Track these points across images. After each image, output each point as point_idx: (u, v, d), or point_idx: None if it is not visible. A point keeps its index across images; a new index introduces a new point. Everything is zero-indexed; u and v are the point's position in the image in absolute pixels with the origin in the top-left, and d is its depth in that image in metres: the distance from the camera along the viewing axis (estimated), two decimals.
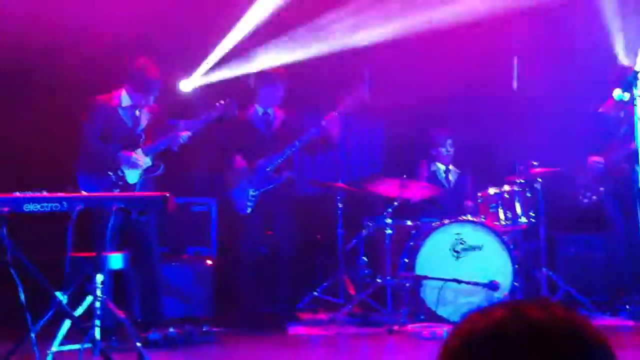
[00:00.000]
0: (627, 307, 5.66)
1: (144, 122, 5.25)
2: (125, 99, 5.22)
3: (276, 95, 5.85)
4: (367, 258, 6.26)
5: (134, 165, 5.10)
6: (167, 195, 4.11)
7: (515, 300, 1.10)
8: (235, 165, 5.74)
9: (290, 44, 6.66)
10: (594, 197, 5.92)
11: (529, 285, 6.03)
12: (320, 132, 5.72)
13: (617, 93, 3.92)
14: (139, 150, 5.15)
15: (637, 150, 3.64)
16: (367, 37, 6.89)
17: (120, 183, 5.05)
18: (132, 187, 5.09)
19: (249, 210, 5.71)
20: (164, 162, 5.31)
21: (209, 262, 6.11)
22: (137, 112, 5.24)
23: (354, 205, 6.59)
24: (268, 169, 5.71)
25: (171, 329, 4.87)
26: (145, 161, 5.17)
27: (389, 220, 5.90)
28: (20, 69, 6.16)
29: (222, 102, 5.38)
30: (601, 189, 5.89)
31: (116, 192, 4.88)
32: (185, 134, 5.16)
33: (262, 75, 5.90)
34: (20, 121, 6.23)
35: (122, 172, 5.09)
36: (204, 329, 4.96)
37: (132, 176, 5.13)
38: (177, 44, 6.58)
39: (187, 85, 6.66)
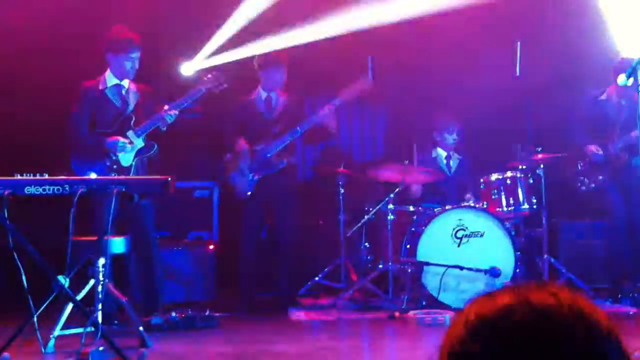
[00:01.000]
0: (632, 294, 5.65)
1: (132, 102, 5.23)
2: (110, 78, 5.20)
3: (278, 78, 5.82)
4: (368, 244, 6.26)
5: (122, 149, 5.06)
6: (169, 178, 4.11)
7: (521, 285, 1.08)
8: (237, 148, 5.72)
9: (293, 28, 6.63)
10: (592, 185, 5.91)
11: (530, 272, 6.03)
12: (319, 121, 5.71)
13: (621, 79, 3.90)
14: (130, 132, 5.13)
15: (638, 140, 3.61)
16: (370, 23, 6.86)
17: (115, 167, 5.03)
18: (127, 170, 5.06)
19: (248, 194, 5.71)
20: (163, 145, 5.30)
21: (211, 246, 6.12)
22: (124, 91, 5.22)
23: (356, 191, 6.58)
24: (269, 155, 5.70)
25: (173, 314, 4.88)
26: (137, 142, 5.14)
27: (390, 206, 5.90)
28: (18, 54, 6.13)
29: (209, 75, 5.35)
30: (600, 177, 5.87)
31: (112, 176, 4.87)
32: (172, 112, 5.11)
33: (263, 58, 5.87)
34: (19, 105, 6.22)
35: (116, 156, 5.07)
36: (205, 314, 4.97)
37: (126, 159, 5.10)
38: (179, 26, 6.55)
39: (189, 68, 6.61)
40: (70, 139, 5.13)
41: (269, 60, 5.82)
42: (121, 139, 5.06)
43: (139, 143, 5.14)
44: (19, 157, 5.83)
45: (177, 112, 5.12)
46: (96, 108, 5.15)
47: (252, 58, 5.96)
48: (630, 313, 5.33)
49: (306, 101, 6.50)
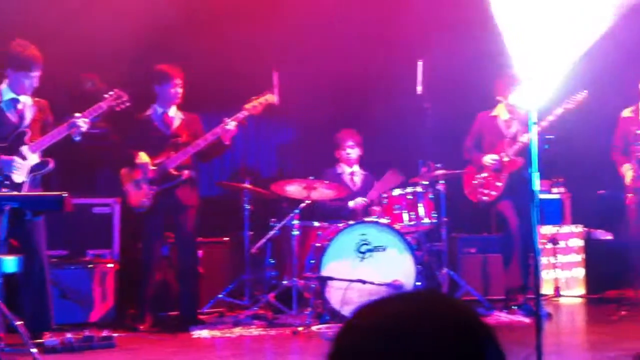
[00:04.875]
0: (525, 305, 5.87)
1: (29, 116, 5.06)
2: (6, 92, 5.02)
3: (172, 93, 5.74)
4: (274, 259, 6.26)
5: (15, 169, 4.86)
6: (63, 195, 3.99)
7: (404, 293, 1.13)
8: (137, 160, 5.59)
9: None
10: (485, 198, 6.14)
11: (431, 285, 6.18)
12: (221, 134, 5.66)
13: (515, 98, 4.10)
14: (25, 147, 4.94)
15: (530, 152, 3.78)
16: (276, 38, 6.90)
17: (7, 183, 4.84)
18: (19, 186, 4.86)
19: (144, 208, 5.57)
20: (61, 160, 5.13)
21: (110, 265, 5.94)
22: (21, 105, 5.05)
23: (261, 207, 6.58)
24: (168, 168, 5.60)
25: (69, 335, 4.71)
26: (31, 158, 4.96)
27: (295, 222, 5.92)
28: None
29: (110, 93, 5.25)
30: (493, 192, 6.12)
31: (3, 192, 4.68)
32: (82, 119, 4.97)
33: (156, 73, 5.79)
34: None
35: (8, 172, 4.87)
36: (103, 334, 4.83)
37: (18, 175, 4.91)
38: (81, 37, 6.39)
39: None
40: None
41: (161, 75, 5.75)
42: (16, 160, 4.86)
43: (33, 159, 4.96)
44: None
45: (87, 120, 5.00)
46: None
47: (149, 74, 5.87)
48: (525, 323, 5.52)
49: (211, 116, 6.45)
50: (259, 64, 6.72)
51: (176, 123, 5.80)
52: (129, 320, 5.73)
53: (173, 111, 5.83)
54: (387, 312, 1.05)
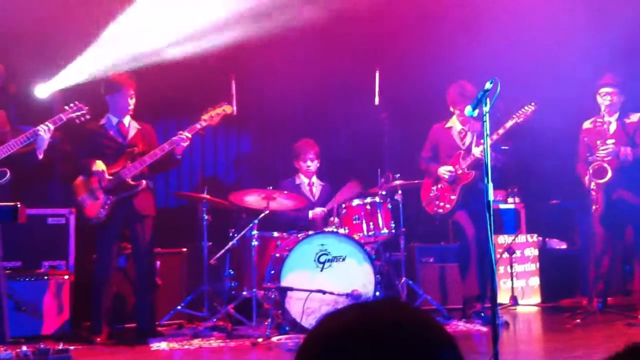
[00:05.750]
0: (482, 314, 5.95)
1: None
2: None
3: (125, 102, 5.66)
4: (233, 270, 6.22)
5: None
6: (18, 205, 3.91)
7: (365, 303, 1.15)
8: (93, 169, 5.50)
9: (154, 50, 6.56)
10: (440, 211, 6.21)
11: (390, 295, 6.22)
12: (179, 144, 5.61)
13: (468, 110, 4.14)
14: None
15: (484, 163, 3.84)
16: (234, 48, 6.90)
17: None
18: None
19: (100, 218, 5.48)
20: (16, 171, 5.04)
21: (66, 276, 5.83)
22: None
23: (220, 217, 6.54)
24: (125, 178, 5.51)
25: (24, 347, 4.61)
26: None
27: (255, 232, 5.90)
28: None
29: (71, 105, 5.19)
30: (447, 205, 6.19)
31: None
32: (47, 126, 4.91)
33: (108, 83, 5.73)
34: None
35: None
36: (59, 347, 4.73)
37: None
38: (34, 48, 6.30)
39: (44, 90, 6.36)
40: None
41: (113, 85, 5.68)
42: None
43: None
44: None
45: (52, 128, 4.93)
46: None
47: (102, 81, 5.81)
48: (482, 332, 5.59)
49: (168, 125, 6.40)
50: (218, 74, 6.71)
51: (132, 133, 5.73)
52: (85, 332, 5.64)
53: (128, 121, 5.75)
54: (347, 322, 1.06)
